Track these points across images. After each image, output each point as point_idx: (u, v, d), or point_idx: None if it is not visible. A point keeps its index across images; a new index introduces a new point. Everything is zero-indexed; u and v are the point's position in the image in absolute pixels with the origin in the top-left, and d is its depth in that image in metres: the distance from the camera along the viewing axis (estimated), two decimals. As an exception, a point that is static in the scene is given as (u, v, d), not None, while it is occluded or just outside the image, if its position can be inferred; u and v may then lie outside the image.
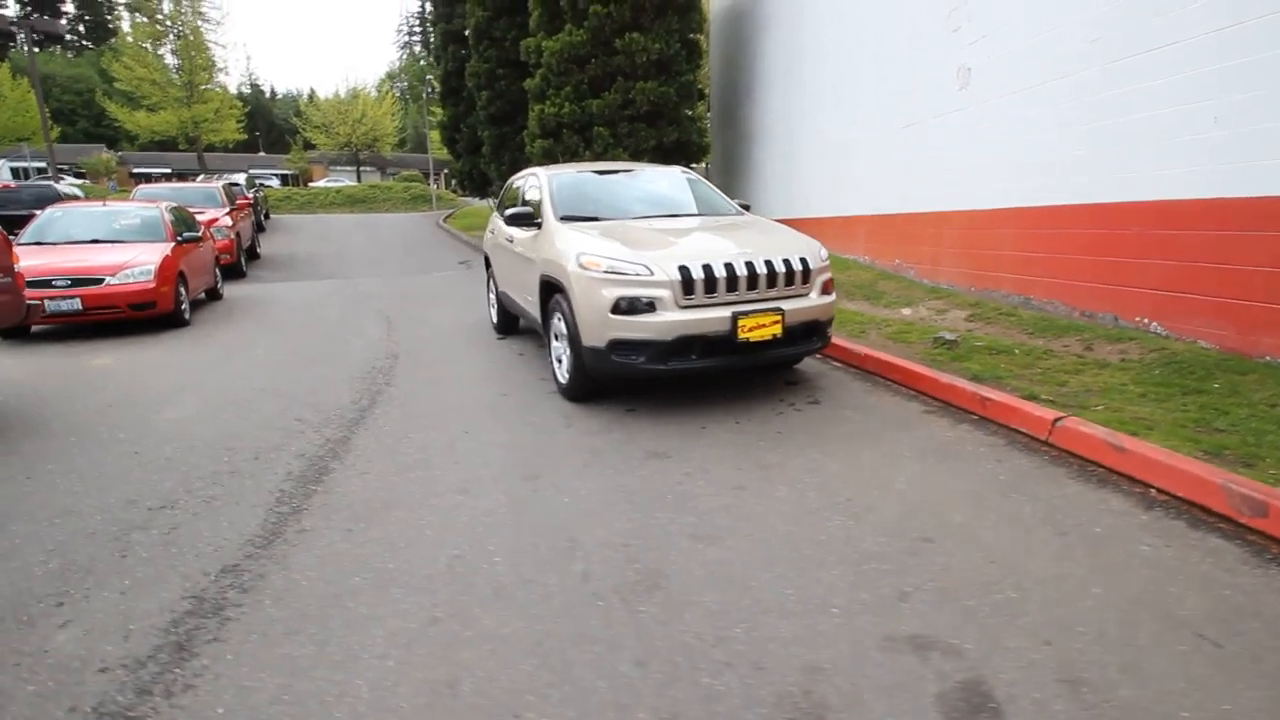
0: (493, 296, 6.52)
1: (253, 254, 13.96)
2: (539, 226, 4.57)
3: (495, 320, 6.43)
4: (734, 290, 3.58)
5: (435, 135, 39.68)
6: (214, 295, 9.03)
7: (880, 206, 7.96)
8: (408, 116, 45.61)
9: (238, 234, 12.08)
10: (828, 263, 3.99)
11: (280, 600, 2.12)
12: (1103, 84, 4.65)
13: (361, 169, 42.84)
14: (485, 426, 3.73)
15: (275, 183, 32.29)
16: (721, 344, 3.56)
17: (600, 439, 3.46)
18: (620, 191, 4.96)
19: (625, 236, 3.93)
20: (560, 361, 4.23)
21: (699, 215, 4.70)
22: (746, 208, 5.10)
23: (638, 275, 3.50)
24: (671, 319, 3.48)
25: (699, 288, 3.51)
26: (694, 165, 13.85)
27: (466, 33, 16.49)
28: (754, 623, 1.90)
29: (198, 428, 3.85)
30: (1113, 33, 4.58)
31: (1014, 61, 5.57)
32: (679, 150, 13.44)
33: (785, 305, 3.67)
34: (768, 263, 3.64)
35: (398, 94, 48.51)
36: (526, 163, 15.94)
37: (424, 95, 63.04)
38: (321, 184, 35.95)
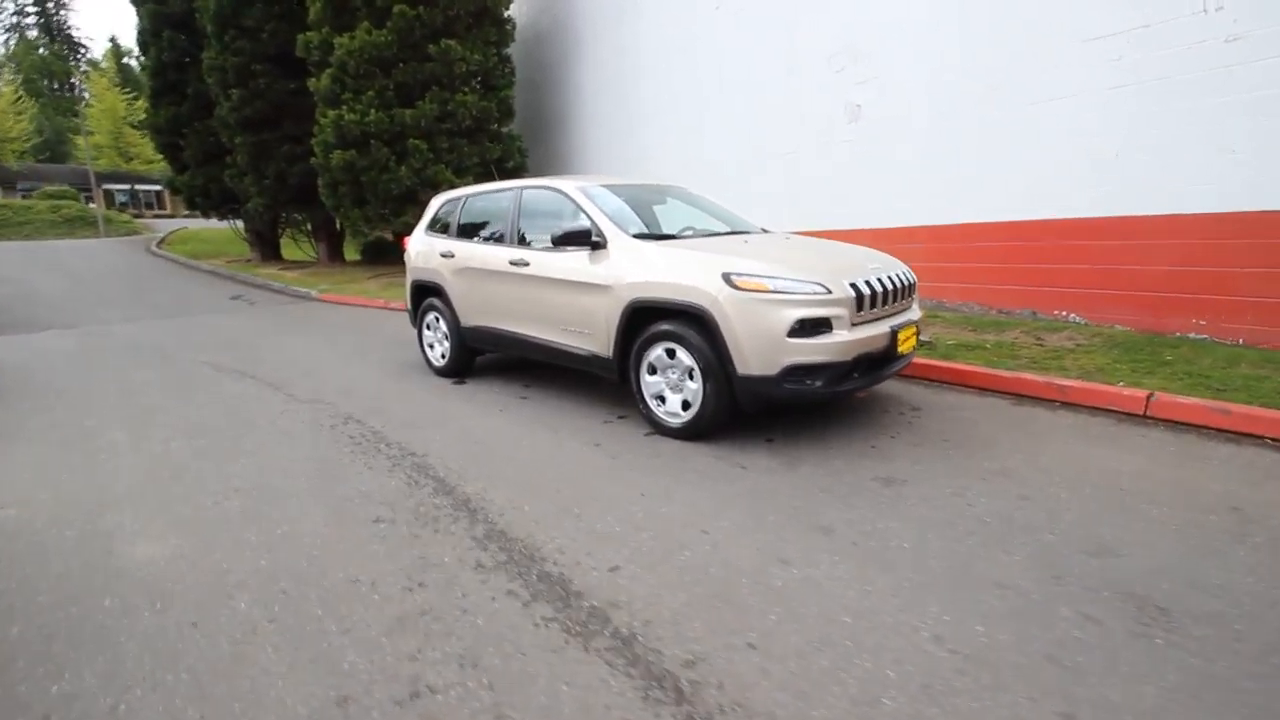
0: (434, 334, 5.44)
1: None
2: (594, 246, 3.95)
3: (443, 363, 5.36)
4: (885, 305, 3.57)
5: (84, 141, 31.06)
6: (-115, 366, 5.85)
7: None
8: (32, 119, 34.90)
9: None
10: (910, 275, 4.21)
11: (857, 762, 1.50)
12: (1008, 123, 5.74)
13: (-34, 182, 31.60)
14: (650, 487, 3.09)
15: None
16: (879, 360, 3.51)
17: (799, 476, 3.12)
18: (653, 206, 4.54)
19: (753, 253, 3.63)
20: (662, 400, 3.72)
21: (755, 232, 4.54)
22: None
23: (815, 294, 3.26)
24: (850, 338, 3.31)
25: (867, 304, 3.42)
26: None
27: (195, 18, 13.33)
28: (1301, 619, 1.94)
29: (229, 563, 2.48)
30: (1010, 80, 5.68)
31: (909, 101, 6.52)
32: (500, 169, 12.78)
33: (913, 316, 3.78)
34: (897, 276, 3.70)
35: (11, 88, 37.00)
36: (307, 176, 13.45)
37: (50, 90, 49.02)
38: (-95, 201, 25.56)
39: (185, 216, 22.82)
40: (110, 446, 3.89)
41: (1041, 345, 5.15)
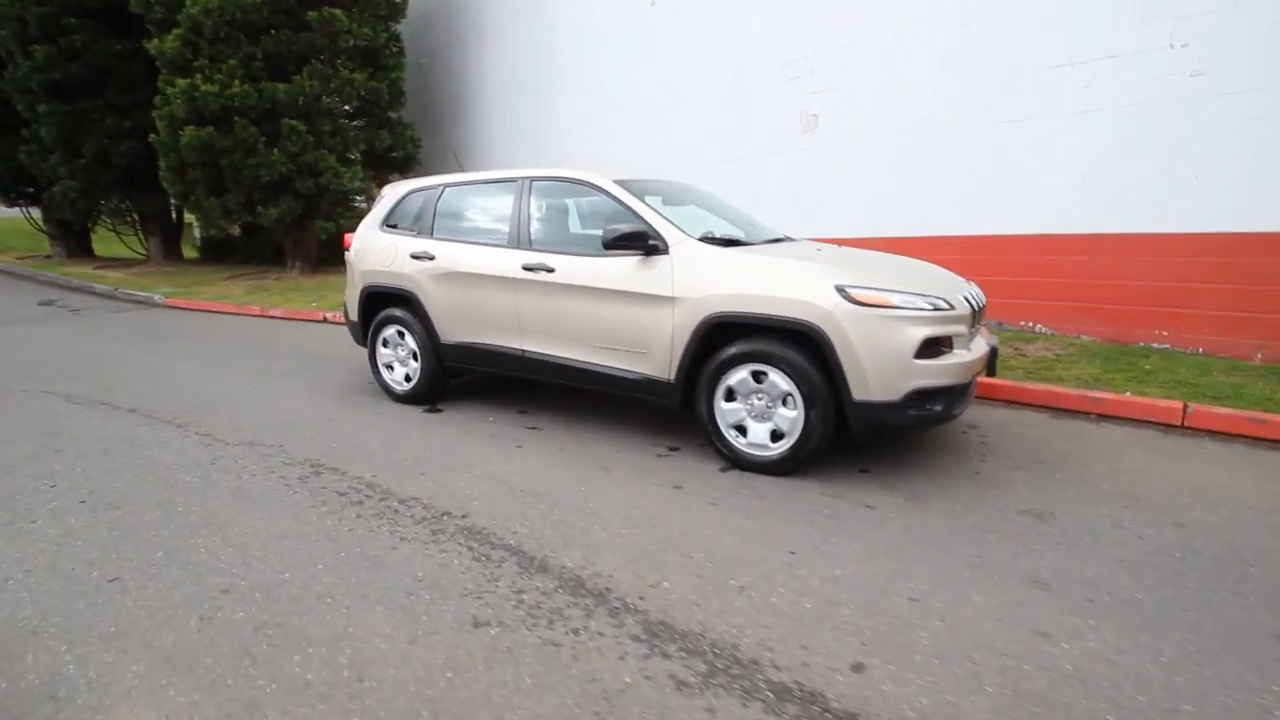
0: (395, 353, 4.48)
1: None
2: (649, 251, 3.35)
3: (408, 387, 4.44)
4: (979, 322, 3.35)
5: None
6: None
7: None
8: None
9: None
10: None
11: None
12: (973, 141, 5.91)
13: None
14: (791, 540, 2.58)
15: None
16: (973, 381, 3.28)
17: (938, 514, 2.77)
18: (688, 206, 4.01)
19: (849, 263, 3.24)
20: (742, 430, 3.22)
21: (786, 240, 4.16)
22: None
23: (938, 311, 2.94)
24: (971, 357, 3.04)
25: (977, 320, 3.17)
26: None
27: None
28: None
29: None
30: (975, 100, 5.87)
31: (870, 114, 6.55)
32: (388, 160, 11.50)
33: (992, 336, 3.61)
34: (979, 294, 3.50)
35: None
36: (139, 156, 10.99)
37: None
38: None
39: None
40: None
41: (1024, 355, 5.31)
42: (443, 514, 2.83)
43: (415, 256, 4.22)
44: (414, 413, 4.31)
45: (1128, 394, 4.24)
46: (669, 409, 3.53)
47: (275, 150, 9.69)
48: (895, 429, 3.12)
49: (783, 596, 2.20)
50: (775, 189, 7.37)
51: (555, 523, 2.74)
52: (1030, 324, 5.87)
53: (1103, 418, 4.10)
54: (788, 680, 1.80)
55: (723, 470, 3.28)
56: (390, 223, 4.49)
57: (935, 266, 3.69)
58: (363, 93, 10.12)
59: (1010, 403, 4.42)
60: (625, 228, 3.31)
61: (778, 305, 3.03)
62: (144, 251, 12.58)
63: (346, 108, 10.58)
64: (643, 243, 3.34)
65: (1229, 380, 4.45)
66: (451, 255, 4.07)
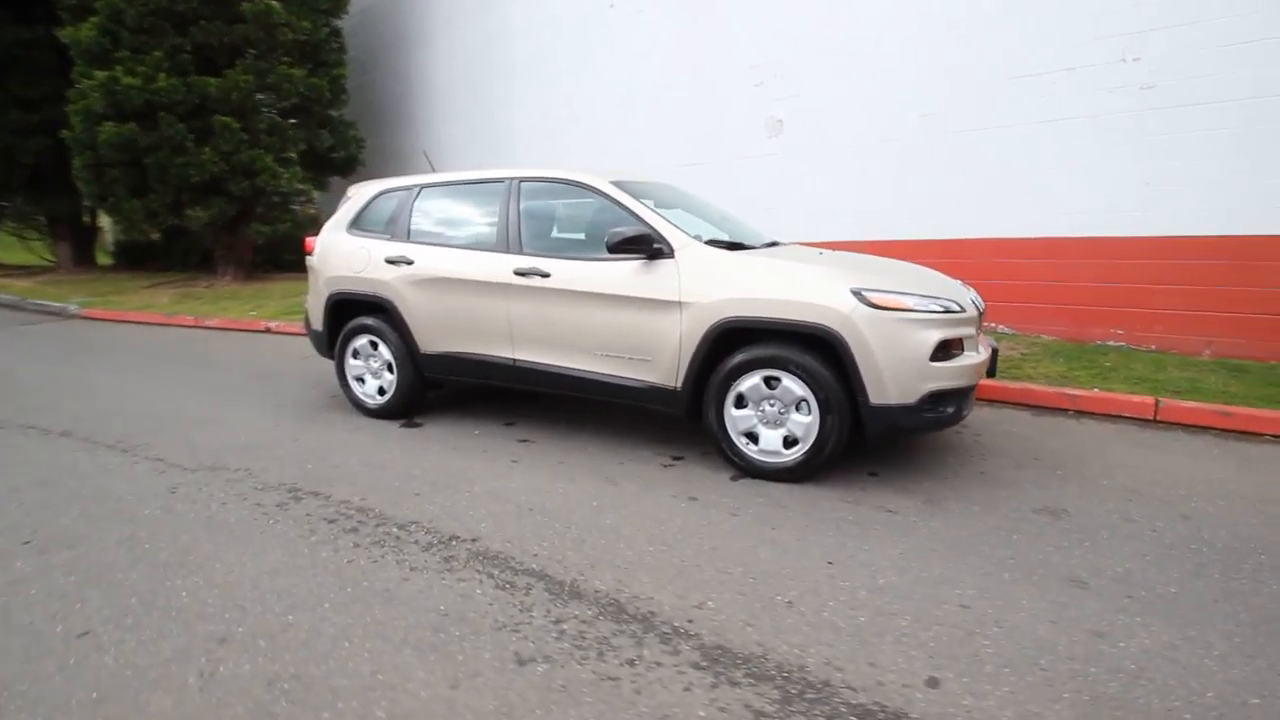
0: (367, 365, 4.20)
1: None
2: (653, 255, 3.24)
3: (382, 401, 4.17)
4: (980, 325, 3.39)
5: None
6: None
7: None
8: None
9: None
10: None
11: None
12: (940, 149, 6.08)
13: None
14: (826, 550, 2.52)
15: None
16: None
17: (958, 516, 2.77)
18: (676, 210, 3.91)
19: (859, 266, 3.22)
20: (753, 438, 3.14)
21: (783, 244, 4.12)
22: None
23: (950, 313, 2.94)
24: (979, 359, 3.07)
25: (979, 322, 3.20)
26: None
27: None
28: None
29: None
30: (943, 110, 6.03)
31: (837, 121, 6.65)
32: (329, 161, 10.96)
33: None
34: (979, 298, 3.55)
35: None
36: (48, 154, 10.00)
37: None
38: None
39: None
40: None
41: (991, 355, 5.48)
42: (450, 538, 2.62)
43: (391, 261, 3.95)
44: (391, 428, 4.04)
45: (1095, 390, 4.43)
46: (674, 417, 3.42)
47: (206, 149, 9.04)
48: (909, 432, 3.12)
49: (834, 610, 2.12)
50: (739, 193, 7.37)
51: (575, 542, 2.58)
52: (994, 324, 6.07)
53: (1080, 414, 4.25)
54: (867, 701, 1.72)
55: (734, 479, 3.19)
56: (359, 225, 4.21)
57: (931, 270, 3.73)
58: (302, 89, 9.58)
59: (992, 401, 4.54)
60: (630, 231, 3.19)
61: (793, 309, 2.97)
62: (52, 258, 11.49)
63: (284, 105, 9.99)
64: (647, 246, 3.22)
65: (1184, 375, 4.71)
66: (433, 260, 3.84)
